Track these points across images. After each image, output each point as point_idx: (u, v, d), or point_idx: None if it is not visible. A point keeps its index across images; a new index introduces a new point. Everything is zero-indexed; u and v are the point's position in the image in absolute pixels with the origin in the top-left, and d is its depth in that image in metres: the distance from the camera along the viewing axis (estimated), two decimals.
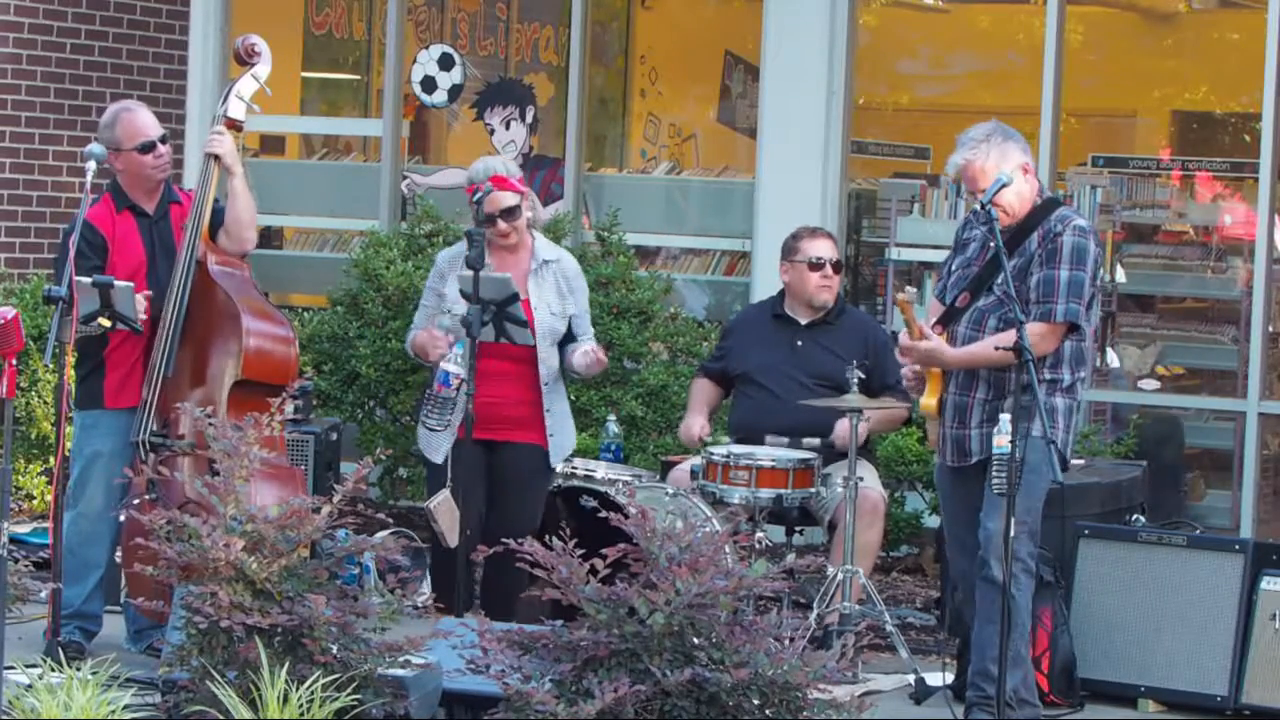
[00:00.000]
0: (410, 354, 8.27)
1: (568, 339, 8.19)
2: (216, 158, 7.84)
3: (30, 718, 5.97)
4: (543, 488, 8.05)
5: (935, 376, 7.33)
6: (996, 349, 7.00)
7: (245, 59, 8.06)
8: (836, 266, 8.80)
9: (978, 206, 7.10)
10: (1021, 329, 6.83)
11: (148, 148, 7.91)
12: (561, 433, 8.06)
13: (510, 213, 7.93)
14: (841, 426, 8.34)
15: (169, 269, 7.87)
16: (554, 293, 8.02)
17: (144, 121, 7.95)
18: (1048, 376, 7.17)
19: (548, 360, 8.00)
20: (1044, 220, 7.20)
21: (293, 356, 7.86)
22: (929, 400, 7.33)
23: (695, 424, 8.72)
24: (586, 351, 8.03)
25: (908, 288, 7.36)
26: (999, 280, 7.06)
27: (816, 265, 8.74)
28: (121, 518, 7.62)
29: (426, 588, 8.41)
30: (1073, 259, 7.13)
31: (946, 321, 7.30)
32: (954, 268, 7.41)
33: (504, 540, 6.35)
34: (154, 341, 7.80)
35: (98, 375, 7.89)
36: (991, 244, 7.10)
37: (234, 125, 8.02)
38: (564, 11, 11.56)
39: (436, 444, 7.97)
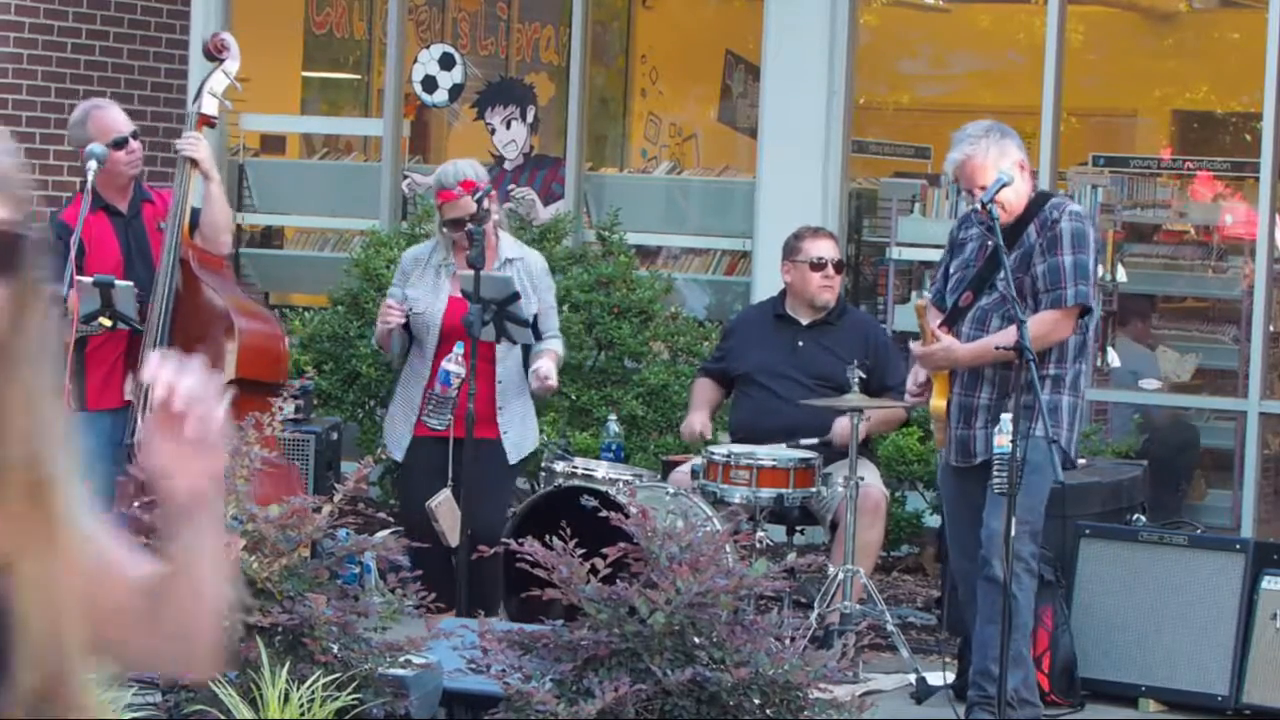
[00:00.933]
0: (375, 346, 8.23)
1: (534, 335, 8.14)
2: (193, 161, 7.83)
3: None
4: (504, 483, 8.00)
5: (942, 378, 7.34)
6: (997, 348, 7.01)
7: (215, 54, 8.07)
8: (838, 266, 8.80)
9: (978, 206, 7.09)
10: (1023, 328, 6.84)
11: (120, 144, 7.89)
12: (517, 431, 7.96)
13: (475, 219, 7.90)
14: (840, 425, 8.35)
15: (145, 268, 7.85)
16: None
17: (115, 118, 7.93)
18: (1052, 372, 7.16)
19: (504, 359, 7.94)
20: (1039, 211, 7.21)
21: (284, 352, 7.87)
22: (938, 402, 7.34)
23: (697, 420, 8.72)
24: (536, 372, 7.94)
25: (926, 292, 7.35)
26: (1000, 277, 7.07)
27: (818, 265, 8.74)
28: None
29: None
30: (1074, 243, 7.14)
31: (950, 322, 7.30)
32: (952, 269, 7.41)
33: (505, 541, 6.36)
34: (139, 342, 7.79)
35: (78, 377, 7.80)
36: (990, 242, 7.10)
37: (207, 121, 8.02)
38: (565, 11, 11.56)
39: (397, 439, 7.96)
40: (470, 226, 7.70)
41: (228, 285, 7.87)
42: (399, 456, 7.94)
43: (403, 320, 7.90)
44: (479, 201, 7.76)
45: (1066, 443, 7.20)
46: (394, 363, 8.14)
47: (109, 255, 7.86)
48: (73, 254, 7.27)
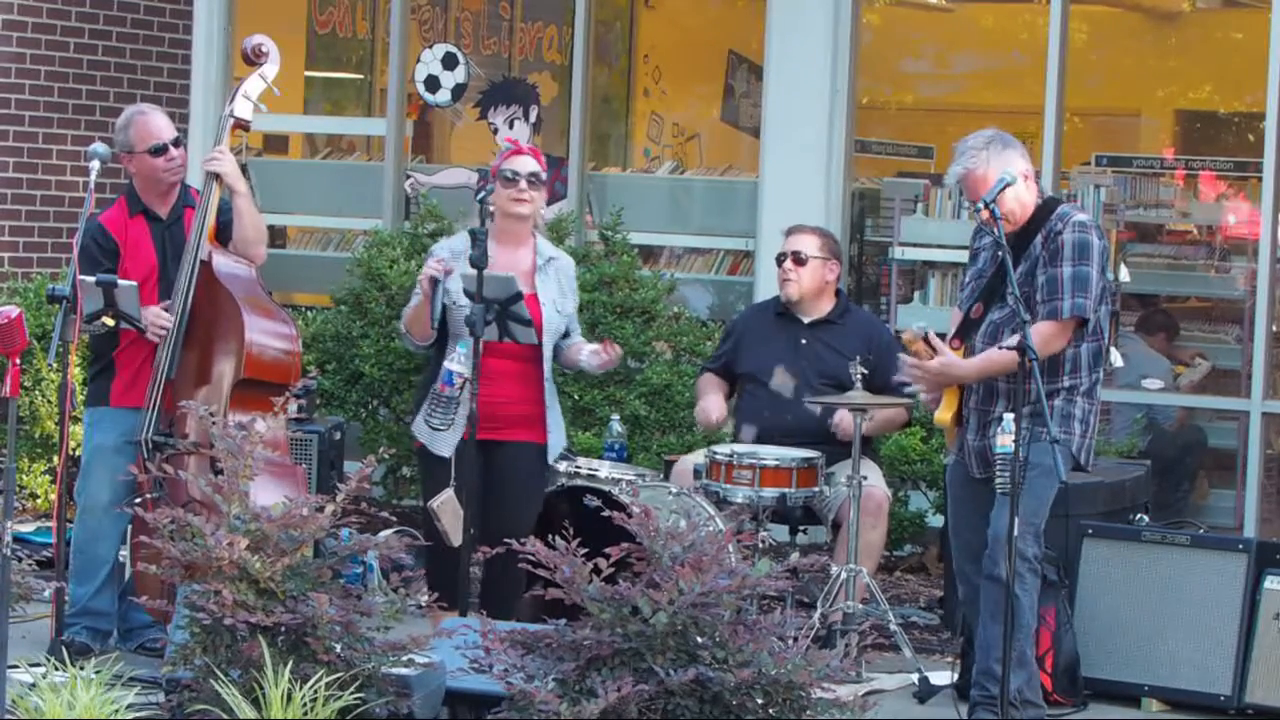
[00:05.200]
0: (402, 330, 8.11)
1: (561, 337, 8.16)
2: (217, 176, 7.84)
3: (34, 717, 5.98)
4: (541, 486, 8.02)
5: (951, 391, 7.33)
6: (1001, 348, 7.01)
7: (253, 59, 8.06)
8: (798, 259, 8.73)
9: (979, 207, 7.08)
10: (1025, 329, 6.82)
11: (159, 151, 7.92)
12: (558, 430, 8.03)
13: (536, 178, 7.93)
14: (842, 414, 8.34)
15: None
16: (557, 290, 7.99)
17: (156, 124, 7.96)
18: (1066, 383, 7.15)
19: (550, 358, 7.97)
20: (1045, 221, 7.19)
21: (295, 354, 7.85)
22: (943, 414, 7.34)
23: (713, 407, 8.67)
24: (597, 351, 7.96)
25: (913, 326, 7.32)
26: (1008, 290, 7.04)
27: (780, 260, 8.77)
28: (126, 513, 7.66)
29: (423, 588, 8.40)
30: (1075, 254, 7.12)
31: (963, 335, 7.29)
32: (968, 279, 7.41)
33: (506, 541, 6.36)
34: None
35: (107, 375, 7.95)
36: (999, 253, 7.08)
37: (241, 125, 8.03)
38: (567, 11, 11.56)
39: (444, 438, 7.93)
40: (473, 228, 7.69)
41: (249, 286, 7.84)
42: (447, 453, 7.84)
43: (448, 269, 7.80)
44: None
45: (1079, 449, 7.19)
46: (410, 345, 8.04)
47: (144, 260, 7.89)
48: (76, 252, 7.28)
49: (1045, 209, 7.23)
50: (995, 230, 7.02)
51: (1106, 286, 7.25)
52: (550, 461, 7.97)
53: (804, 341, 8.74)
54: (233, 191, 7.84)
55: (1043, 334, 7.02)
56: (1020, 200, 7.17)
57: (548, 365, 7.91)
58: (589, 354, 7.97)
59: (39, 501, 10.48)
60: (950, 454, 7.51)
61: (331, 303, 10.70)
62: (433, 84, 11.77)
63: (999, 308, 7.21)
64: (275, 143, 12.61)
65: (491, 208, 7.83)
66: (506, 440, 7.80)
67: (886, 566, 9.73)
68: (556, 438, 7.99)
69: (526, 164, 7.96)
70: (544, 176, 8.02)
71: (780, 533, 8.58)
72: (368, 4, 12.40)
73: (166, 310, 7.78)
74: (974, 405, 7.31)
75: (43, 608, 7.93)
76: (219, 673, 6.02)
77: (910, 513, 9.77)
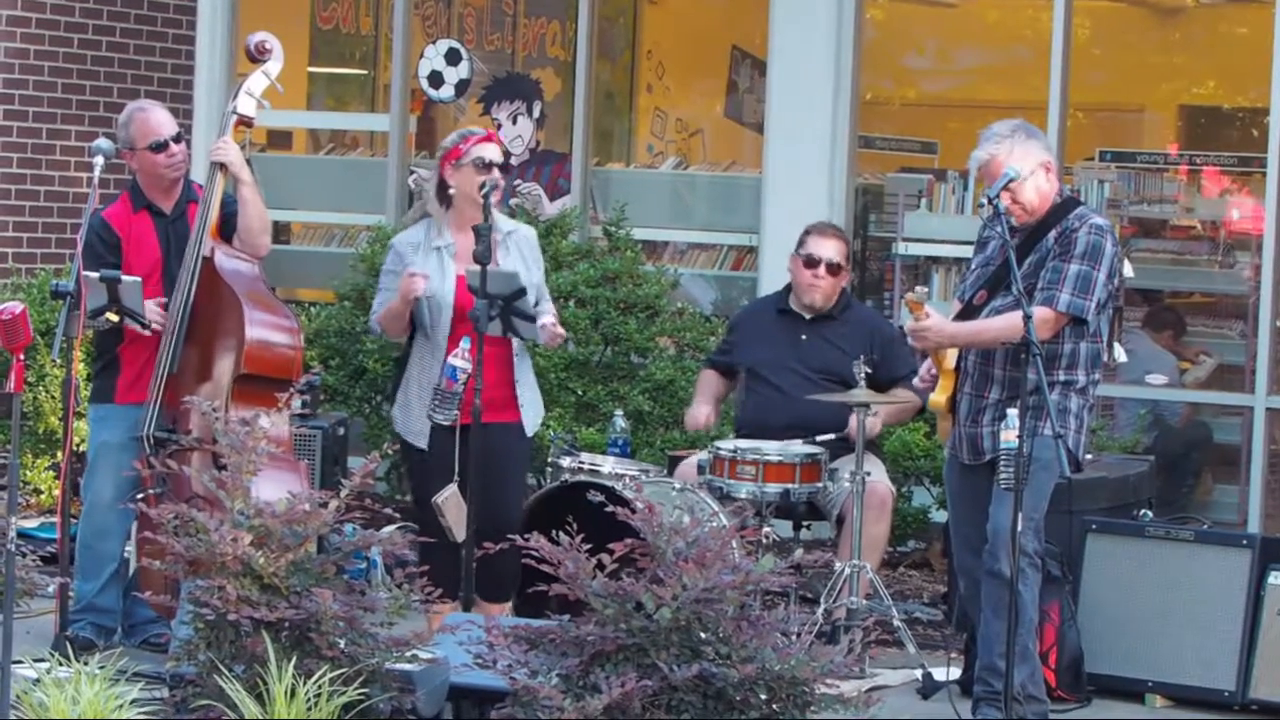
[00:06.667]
0: (376, 329, 8.08)
1: None
2: (222, 166, 7.84)
3: (38, 714, 5.98)
4: (525, 463, 7.99)
5: (947, 374, 7.33)
6: (997, 312, 6.99)
7: (257, 56, 8.06)
8: (832, 269, 8.74)
9: (984, 201, 7.08)
10: (1029, 324, 6.82)
11: (159, 147, 7.92)
12: (531, 404, 7.96)
13: (505, 166, 7.92)
14: (856, 421, 8.34)
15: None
16: (520, 263, 7.92)
17: (157, 120, 7.96)
18: (1062, 378, 7.15)
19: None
20: (1062, 219, 7.17)
21: (297, 350, 7.84)
22: (939, 397, 7.33)
23: (701, 412, 8.70)
24: (545, 327, 7.87)
25: (917, 288, 7.32)
26: (1013, 282, 7.02)
27: (811, 263, 8.74)
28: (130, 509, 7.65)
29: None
30: (1085, 254, 7.10)
31: (965, 319, 7.28)
32: (974, 265, 7.40)
33: (510, 537, 6.36)
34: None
35: (111, 370, 7.95)
36: (1011, 240, 7.06)
37: (245, 122, 8.02)
38: (571, 6, 11.56)
39: (420, 429, 7.88)
40: (477, 224, 7.68)
41: (251, 282, 7.83)
42: (423, 445, 7.82)
43: (424, 286, 7.78)
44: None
45: (1074, 445, 7.17)
46: (398, 342, 8.05)
47: (148, 255, 7.90)
48: (79, 248, 7.30)
49: (1064, 208, 7.21)
50: (1005, 225, 7.01)
51: (1111, 292, 7.24)
52: (529, 433, 7.89)
53: (804, 337, 8.73)
54: (238, 181, 7.84)
55: (1034, 317, 6.98)
56: (1039, 191, 7.15)
57: (518, 341, 7.86)
58: (541, 330, 7.83)
59: (43, 497, 10.48)
60: (946, 449, 7.51)
61: (335, 298, 10.70)
62: (436, 79, 11.77)
63: (1002, 296, 7.21)
64: (279, 138, 12.61)
65: (451, 191, 7.84)
66: (484, 423, 7.73)
67: (890, 562, 9.73)
68: (530, 411, 7.92)
69: (496, 152, 7.93)
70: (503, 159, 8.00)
71: (784, 528, 8.59)
72: (370, 0, 12.40)
73: (163, 307, 7.79)
74: (967, 390, 7.29)
75: (47, 603, 7.92)
76: (223, 668, 6.02)
77: (914, 508, 9.77)
